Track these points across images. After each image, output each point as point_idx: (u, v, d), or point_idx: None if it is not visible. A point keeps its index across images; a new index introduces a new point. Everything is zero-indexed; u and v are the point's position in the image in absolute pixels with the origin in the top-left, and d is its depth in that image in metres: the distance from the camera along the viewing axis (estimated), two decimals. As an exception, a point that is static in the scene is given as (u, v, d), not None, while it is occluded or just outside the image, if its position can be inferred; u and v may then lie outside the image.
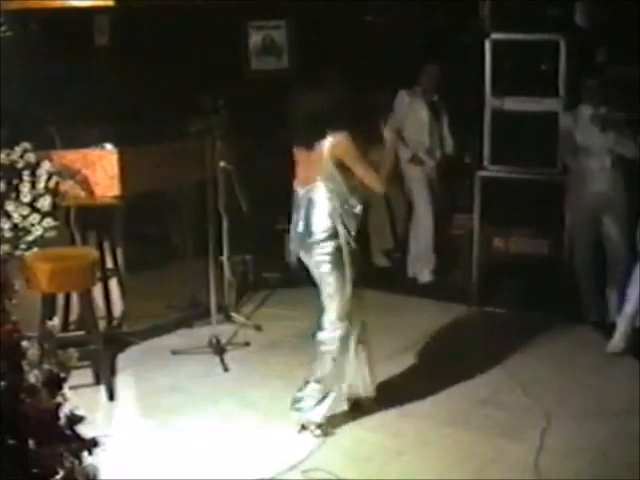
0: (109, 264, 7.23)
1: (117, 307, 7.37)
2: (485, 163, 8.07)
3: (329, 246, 5.59)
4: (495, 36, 7.83)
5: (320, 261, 5.65)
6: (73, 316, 6.83)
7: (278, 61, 9.63)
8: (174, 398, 6.21)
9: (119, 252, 7.38)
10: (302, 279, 8.39)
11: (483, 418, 5.95)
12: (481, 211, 8.08)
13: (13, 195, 6.48)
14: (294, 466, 5.29)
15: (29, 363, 3.26)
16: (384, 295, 8.23)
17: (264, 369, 6.77)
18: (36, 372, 3.26)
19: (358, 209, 5.66)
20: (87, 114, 7.33)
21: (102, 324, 6.89)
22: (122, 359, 6.88)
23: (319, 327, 5.77)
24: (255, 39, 9.60)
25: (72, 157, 6.96)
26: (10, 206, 6.45)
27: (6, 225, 6.41)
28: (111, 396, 6.25)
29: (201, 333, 7.29)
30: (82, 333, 6.46)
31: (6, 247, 6.34)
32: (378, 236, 9.13)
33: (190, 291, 7.83)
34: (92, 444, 3.32)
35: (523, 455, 5.41)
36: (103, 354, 6.33)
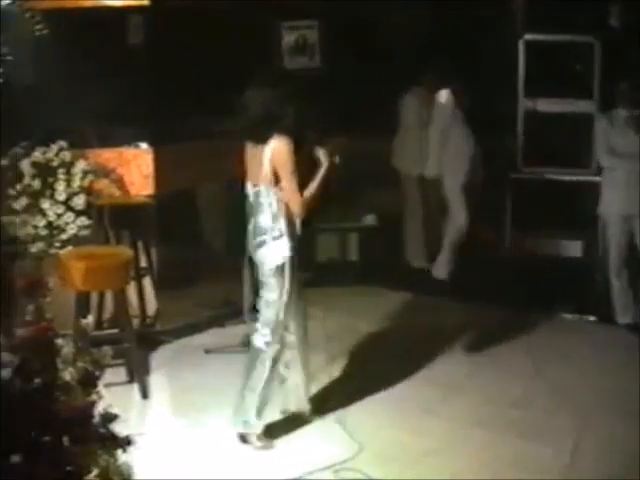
0: (143, 263, 7.25)
1: (150, 306, 7.38)
2: (518, 164, 8.04)
3: (271, 250, 5.52)
4: (529, 37, 7.79)
5: (263, 264, 5.59)
6: (107, 314, 6.86)
7: (310, 61, 9.64)
8: (206, 397, 6.21)
9: (153, 251, 7.40)
10: (333, 279, 8.47)
11: (512, 419, 5.93)
12: (513, 212, 8.06)
13: (48, 193, 6.52)
14: (325, 466, 5.30)
15: (63, 361, 3.28)
16: (419, 296, 8.27)
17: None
18: (70, 370, 3.28)
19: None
20: (121, 113, 7.36)
21: (135, 322, 6.90)
22: (155, 357, 6.89)
23: (254, 333, 5.71)
24: (288, 39, 9.61)
25: (107, 156, 7.00)
26: (45, 204, 6.49)
27: (41, 223, 6.46)
28: (144, 394, 6.27)
29: (234, 332, 7.29)
30: (116, 331, 6.49)
31: (41, 245, 6.39)
32: (413, 239, 9.13)
33: (223, 290, 7.84)
34: (126, 442, 3.34)
35: (552, 457, 5.39)
36: (136, 352, 6.35)
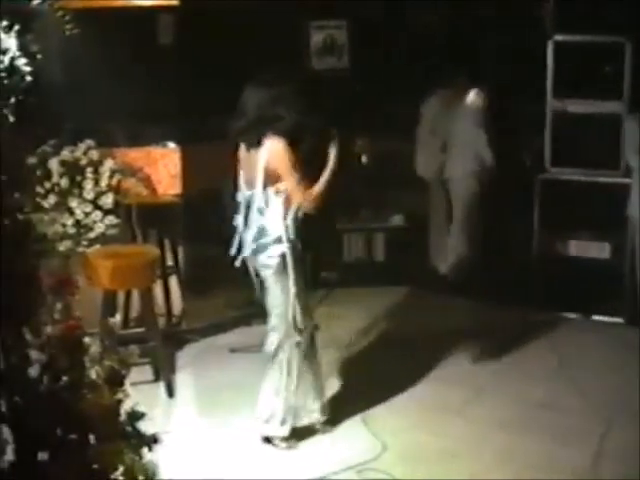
0: (169, 262, 7.27)
1: (177, 304, 7.41)
2: (546, 165, 8.00)
3: (272, 254, 5.45)
4: (558, 38, 7.76)
5: (264, 269, 5.54)
6: (133, 313, 6.89)
7: (339, 61, 9.64)
8: (232, 396, 6.22)
9: (180, 250, 7.42)
10: (360, 279, 8.47)
11: (539, 421, 5.91)
12: (541, 213, 8.02)
13: (76, 192, 6.55)
14: (348, 466, 5.30)
15: (91, 359, 3.30)
16: (444, 297, 8.27)
17: (322, 367, 6.77)
18: (97, 368, 3.30)
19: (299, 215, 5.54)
20: (150, 112, 7.39)
21: (161, 321, 6.92)
22: (181, 356, 6.91)
23: (267, 338, 5.68)
24: (316, 39, 9.62)
25: (135, 155, 7.02)
26: (73, 203, 6.52)
27: (69, 221, 6.49)
28: (170, 393, 6.29)
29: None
30: (142, 330, 6.51)
31: (69, 243, 6.42)
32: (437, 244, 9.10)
33: (249, 289, 7.85)
34: (152, 441, 3.36)
35: (579, 460, 5.36)
36: (163, 351, 6.37)
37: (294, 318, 5.51)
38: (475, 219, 8.68)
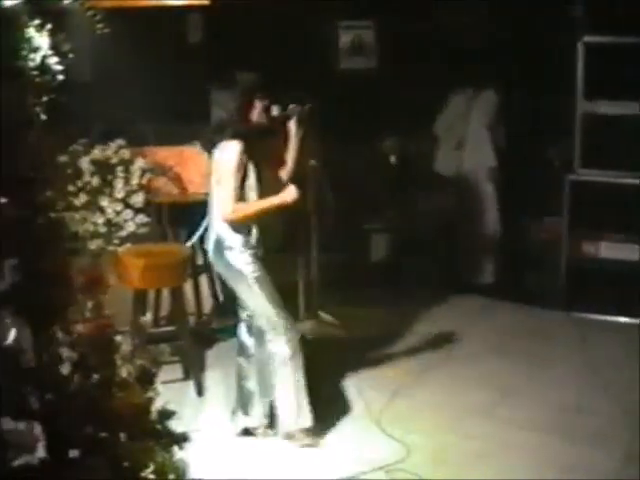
0: (199, 261, 7.28)
1: (206, 303, 7.42)
2: (575, 166, 7.96)
3: (232, 261, 5.40)
4: (588, 39, 7.72)
5: (227, 277, 5.52)
6: (163, 312, 6.91)
7: (367, 60, 9.64)
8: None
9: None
10: (389, 279, 8.46)
11: (569, 424, 5.86)
12: (570, 215, 7.99)
13: (107, 191, 6.58)
14: (377, 466, 5.29)
15: (122, 358, 3.31)
16: (473, 299, 8.27)
17: (350, 368, 6.77)
18: (128, 367, 3.31)
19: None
20: (181, 111, 7.41)
21: (191, 320, 6.93)
22: (211, 355, 6.91)
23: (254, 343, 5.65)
24: (345, 39, 9.62)
25: (165, 154, 7.03)
26: (104, 202, 6.55)
27: (100, 220, 6.51)
28: (200, 391, 6.30)
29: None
30: (172, 329, 6.53)
31: (99, 242, 6.44)
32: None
33: (278, 288, 7.85)
34: (182, 439, 3.37)
35: (608, 462, 5.32)
36: (192, 350, 6.39)
37: (273, 321, 5.49)
38: (490, 218, 8.68)
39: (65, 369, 3.15)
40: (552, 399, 6.22)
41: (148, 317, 6.63)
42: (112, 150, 6.67)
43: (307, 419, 5.57)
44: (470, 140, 8.72)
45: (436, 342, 7.21)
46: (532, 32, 8.45)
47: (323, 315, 7.70)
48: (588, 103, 7.84)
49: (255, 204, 5.37)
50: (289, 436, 5.58)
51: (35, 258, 3.11)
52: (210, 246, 5.48)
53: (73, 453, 3.12)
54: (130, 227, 6.58)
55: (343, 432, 5.78)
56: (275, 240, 8.96)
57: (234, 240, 5.36)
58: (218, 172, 5.30)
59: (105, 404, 3.16)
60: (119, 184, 6.55)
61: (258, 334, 5.60)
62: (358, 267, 8.77)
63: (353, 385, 6.43)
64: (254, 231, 5.42)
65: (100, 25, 3.55)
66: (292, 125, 5.77)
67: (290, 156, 5.79)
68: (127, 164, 6.67)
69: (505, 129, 8.63)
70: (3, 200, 3.02)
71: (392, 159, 9.27)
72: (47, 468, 3.03)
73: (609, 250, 7.96)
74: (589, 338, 7.29)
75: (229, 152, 5.24)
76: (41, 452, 3.09)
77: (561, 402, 6.17)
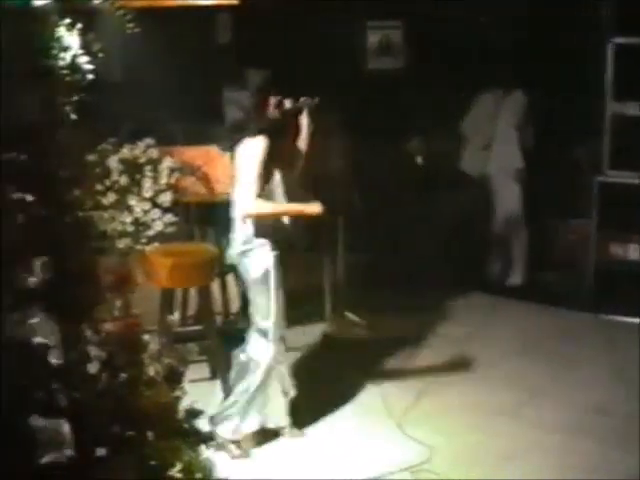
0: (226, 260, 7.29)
1: (234, 303, 7.42)
2: (604, 168, 7.92)
3: (254, 260, 5.38)
4: (618, 40, 7.68)
5: (247, 275, 5.48)
6: (190, 311, 6.91)
7: (394, 61, 9.63)
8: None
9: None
10: (415, 279, 8.44)
11: (595, 426, 5.84)
12: (599, 216, 7.95)
13: (135, 190, 6.59)
14: (403, 467, 5.29)
15: (149, 357, 3.32)
16: (503, 300, 8.25)
17: (376, 369, 6.76)
18: (156, 366, 3.32)
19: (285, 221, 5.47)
20: (209, 111, 7.42)
21: (219, 319, 6.94)
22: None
23: (246, 339, 5.60)
24: (372, 39, 9.63)
25: (193, 153, 7.04)
26: (132, 201, 6.56)
27: (128, 219, 6.52)
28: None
29: (314, 330, 7.33)
30: (199, 328, 6.54)
31: (127, 241, 6.46)
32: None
33: (304, 288, 7.86)
34: (209, 438, 3.37)
35: (634, 464, 5.28)
36: (219, 349, 6.38)
37: (274, 325, 5.45)
38: (517, 219, 8.65)
39: (93, 368, 3.16)
40: (578, 400, 6.20)
41: (175, 316, 6.63)
42: (141, 149, 6.68)
43: (240, 433, 5.51)
44: (498, 141, 8.70)
45: (462, 342, 7.20)
46: (561, 32, 8.41)
47: (349, 315, 7.70)
48: (617, 104, 7.80)
49: (276, 205, 5.38)
50: (220, 446, 5.35)
51: (64, 257, 3.11)
52: (232, 245, 5.48)
53: (101, 451, 3.12)
54: (158, 226, 6.59)
55: (368, 432, 5.78)
56: (302, 239, 9.00)
57: (256, 240, 5.36)
58: (241, 170, 5.30)
59: (133, 403, 3.17)
60: (147, 183, 6.56)
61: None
62: (384, 267, 8.77)
63: (378, 385, 6.43)
64: (276, 231, 5.42)
65: (130, 25, 3.57)
66: (303, 118, 5.76)
67: (301, 150, 5.79)
68: (155, 163, 6.68)
69: (533, 130, 8.59)
70: (32, 198, 3.03)
71: (418, 159, 9.26)
72: (75, 466, 3.03)
73: (637, 252, 7.92)
74: (616, 340, 7.26)
75: (253, 149, 5.24)
76: (69, 450, 3.10)
77: (587, 403, 6.14)
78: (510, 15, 8.92)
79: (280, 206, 5.41)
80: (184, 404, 3.38)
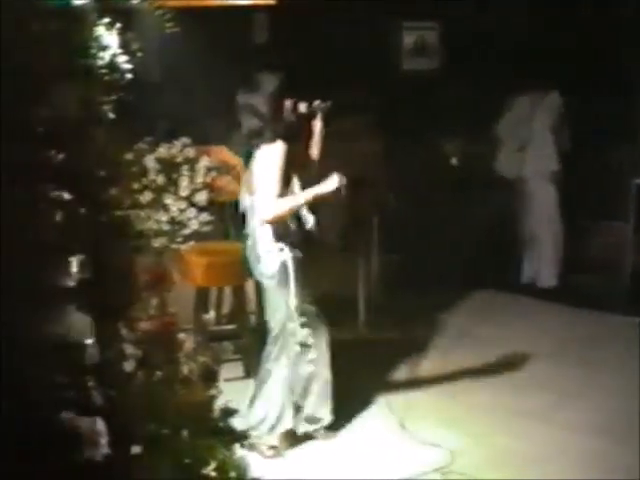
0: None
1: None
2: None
3: (270, 262, 5.35)
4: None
5: (263, 277, 5.46)
6: (225, 310, 6.93)
7: (430, 61, 9.63)
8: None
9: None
10: (447, 280, 8.44)
11: (625, 429, 5.80)
12: (636, 219, 7.91)
13: (172, 189, 6.61)
14: (433, 468, 5.28)
15: (185, 355, 3.33)
16: (532, 301, 8.22)
17: (406, 369, 6.75)
18: (191, 364, 3.32)
19: (309, 224, 5.45)
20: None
21: (253, 318, 6.95)
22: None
23: (267, 344, 5.55)
24: (408, 40, 9.62)
25: (229, 153, 7.05)
26: (168, 199, 6.58)
27: (164, 218, 6.55)
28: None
29: (347, 331, 7.32)
30: (234, 327, 6.55)
31: (163, 240, 6.48)
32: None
33: (337, 288, 7.86)
34: (244, 437, 3.37)
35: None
36: (253, 348, 6.39)
37: (294, 330, 5.40)
38: (554, 222, 8.61)
39: (129, 366, 3.17)
40: (609, 404, 6.17)
41: (210, 315, 6.66)
42: (177, 148, 6.70)
43: (274, 437, 5.49)
44: (533, 143, 8.66)
45: (494, 344, 7.20)
46: (598, 33, 8.38)
47: (381, 315, 7.71)
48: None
49: (294, 197, 5.32)
50: (252, 447, 5.30)
51: (101, 255, 3.13)
52: (249, 249, 5.46)
53: (135, 449, 3.13)
54: (193, 225, 6.61)
55: (396, 433, 5.77)
56: (336, 239, 9.01)
57: (273, 245, 5.34)
58: (260, 175, 5.26)
59: (168, 401, 3.18)
60: (184, 182, 6.58)
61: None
62: (417, 268, 8.76)
63: (407, 386, 6.42)
64: (293, 233, 5.40)
65: (169, 24, 3.58)
66: (317, 122, 5.73)
67: (315, 153, 5.77)
68: (192, 162, 6.70)
69: (569, 132, 8.55)
70: (70, 197, 3.05)
71: (453, 160, 9.25)
72: (110, 464, 3.05)
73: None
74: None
75: (273, 154, 5.22)
76: (104, 448, 3.12)
77: (619, 407, 6.11)
78: (546, 15, 8.90)
79: (298, 197, 5.35)
80: (219, 403, 3.39)
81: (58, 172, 3.00)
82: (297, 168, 5.46)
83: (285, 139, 5.26)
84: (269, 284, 5.44)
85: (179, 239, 6.53)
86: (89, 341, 3.11)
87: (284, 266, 5.31)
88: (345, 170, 7.44)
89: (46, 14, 2.99)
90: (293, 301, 5.32)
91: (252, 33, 8.63)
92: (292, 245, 5.35)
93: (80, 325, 3.10)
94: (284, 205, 5.23)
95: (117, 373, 3.14)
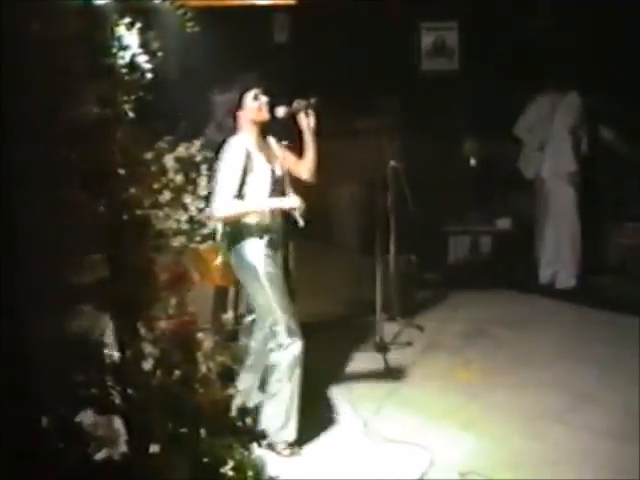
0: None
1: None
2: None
3: (243, 256, 5.39)
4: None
5: (242, 270, 5.47)
6: (242, 309, 6.94)
7: (449, 62, 9.62)
8: (337, 394, 6.27)
9: (291, 247, 7.43)
10: (464, 281, 8.44)
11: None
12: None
13: (190, 188, 6.62)
14: (451, 469, 5.27)
15: (203, 354, 3.33)
16: (549, 302, 8.21)
17: (425, 369, 6.75)
18: (210, 364, 3.33)
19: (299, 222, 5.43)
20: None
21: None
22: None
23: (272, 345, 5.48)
24: (427, 40, 9.62)
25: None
26: (188, 199, 6.59)
27: (183, 217, 6.55)
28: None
29: (365, 332, 7.33)
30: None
31: (182, 239, 6.49)
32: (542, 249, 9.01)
33: (356, 288, 7.87)
34: (261, 436, 3.38)
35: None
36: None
37: (282, 323, 5.37)
38: (572, 222, 8.59)
39: (147, 365, 3.18)
40: (628, 405, 6.12)
41: (229, 314, 6.66)
42: (196, 148, 6.71)
43: (291, 433, 5.41)
44: (552, 143, 8.64)
45: (511, 345, 7.19)
46: (619, 33, 8.36)
47: (400, 316, 7.71)
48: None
49: (249, 203, 5.32)
50: (270, 446, 5.24)
51: (121, 254, 3.14)
52: (224, 239, 5.50)
53: (154, 448, 3.14)
54: (212, 225, 6.61)
55: (415, 432, 5.76)
56: (354, 240, 9.02)
57: (247, 234, 5.36)
58: (219, 170, 5.34)
59: (186, 400, 3.19)
60: (203, 182, 6.58)
61: (262, 339, 5.52)
62: (435, 268, 8.76)
63: (427, 386, 6.42)
64: (270, 226, 5.42)
65: (190, 24, 3.59)
66: (301, 120, 5.68)
67: (308, 151, 5.72)
68: (211, 162, 6.70)
69: (589, 133, 8.53)
70: (91, 196, 3.06)
71: (472, 161, 9.24)
72: (128, 462, 3.06)
73: None
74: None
75: (229, 150, 5.30)
76: (122, 446, 3.13)
77: (636, 409, 6.07)
78: (566, 15, 8.88)
79: (255, 202, 5.35)
80: (237, 402, 3.40)
81: (80, 171, 3.02)
82: (284, 164, 5.58)
83: (254, 135, 5.39)
84: (241, 272, 5.47)
85: (197, 238, 6.53)
86: (108, 340, 3.13)
87: (257, 258, 5.36)
88: (363, 170, 7.48)
89: (68, 14, 3.00)
90: (271, 294, 5.34)
91: (272, 33, 8.64)
92: (265, 238, 5.38)
93: (100, 324, 3.12)
94: (237, 207, 5.27)
95: (136, 372, 3.15)
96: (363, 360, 6.89)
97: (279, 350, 5.36)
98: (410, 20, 9.41)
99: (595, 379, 6.56)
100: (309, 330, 7.20)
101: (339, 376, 6.57)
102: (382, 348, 6.97)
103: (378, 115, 7.90)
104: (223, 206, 5.24)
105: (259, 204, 5.37)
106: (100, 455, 3.03)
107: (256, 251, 5.36)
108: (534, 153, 8.81)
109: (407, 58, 9.59)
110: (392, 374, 6.64)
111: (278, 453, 5.36)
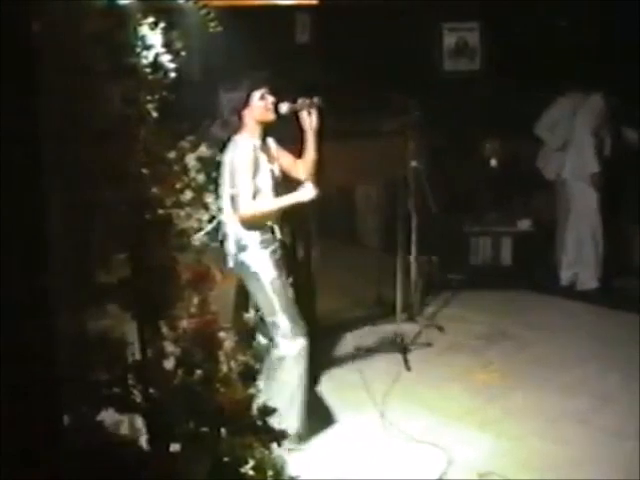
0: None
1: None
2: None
3: (248, 260, 5.40)
4: None
5: (243, 276, 5.48)
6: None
7: (470, 62, 9.60)
8: (355, 394, 6.26)
9: (313, 247, 7.45)
10: (485, 282, 8.42)
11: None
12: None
13: (212, 188, 6.62)
14: (471, 469, 5.26)
15: (225, 354, 3.34)
16: (570, 303, 8.19)
17: (444, 370, 6.75)
18: (231, 363, 3.34)
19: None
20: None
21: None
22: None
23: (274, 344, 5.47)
24: (449, 41, 9.61)
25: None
26: (209, 198, 6.59)
27: (204, 217, 6.56)
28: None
29: (385, 331, 7.32)
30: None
31: (203, 238, 6.49)
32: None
33: (376, 288, 7.87)
34: (281, 436, 3.38)
35: None
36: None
37: (284, 324, 5.39)
38: (594, 223, 8.55)
39: (169, 364, 3.19)
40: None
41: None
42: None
43: (292, 426, 5.30)
44: (573, 144, 8.61)
45: (533, 346, 7.17)
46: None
47: (420, 316, 7.71)
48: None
49: (270, 202, 5.39)
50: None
51: (143, 254, 3.15)
52: (228, 244, 5.48)
53: (174, 447, 3.15)
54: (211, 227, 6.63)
55: (435, 434, 5.75)
56: (376, 239, 9.01)
57: (250, 239, 5.38)
58: (230, 170, 5.35)
59: (207, 399, 3.19)
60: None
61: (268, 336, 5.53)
62: (456, 269, 8.74)
63: (444, 387, 6.41)
64: (274, 230, 5.46)
65: (212, 24, 3.59)
66: (303, 119, 5.69)
67: (308, 150, 5.73)
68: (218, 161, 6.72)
69: (613, 134, 8.50)
70: (114, 195, 3.08)
71: (492, 162, 9.22)
72: (149, 461, 3.07)
73: None
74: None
75: (239, 148, 5.31)
76: (143, 445, 3.14)
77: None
78: (588, 16, 8.85)
79: (274, 201, 5.42)
80: (258, 401, 3.40)
81: (102, 170, 3.03)
82: (285, 165, 5.62)
83: (260, 135, 5.41)
84: (244, 276, 5.49)
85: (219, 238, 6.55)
86: (131, 339, 3.14)
87: (260, 262, 5.40)
88: (384, 171, 7.46)
89: (92, 14, 3.01)
90: (272, 294, 5.38)
91: (294, 33, 8.65)
92: (267, 242, 5.41)
93: (122, 323, 3.13)
94: (263, 205, 5.35)
95: (158, 371, 3.16)
96: (383, 360, 6.89)
97: (281, 349, 5.39)
98: (432, 21, 9.40)
99: (616, 381, 6.54)
100: (328, 330, 7.26)
101: (358, 376, 6.56)
102: (402, 348, 6.96)
103: (399, 115, 7.88)
104: (249, 205, 5.27)
105: (280, 201, 5.42)
106: (121, 453, 3.04)
107: (259, 255, 5.40)
108: (554, 153, 8.78)
109: (429, 58, 9.58)
110: (412, 374, 6.64)
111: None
